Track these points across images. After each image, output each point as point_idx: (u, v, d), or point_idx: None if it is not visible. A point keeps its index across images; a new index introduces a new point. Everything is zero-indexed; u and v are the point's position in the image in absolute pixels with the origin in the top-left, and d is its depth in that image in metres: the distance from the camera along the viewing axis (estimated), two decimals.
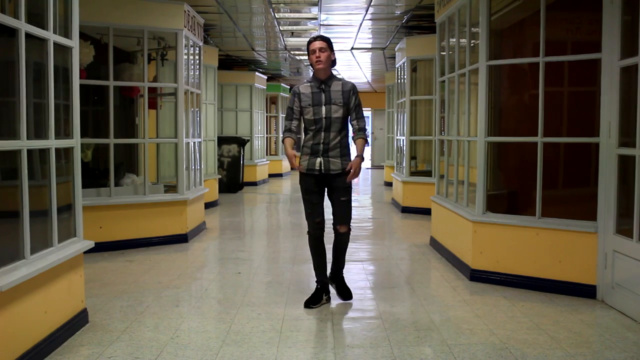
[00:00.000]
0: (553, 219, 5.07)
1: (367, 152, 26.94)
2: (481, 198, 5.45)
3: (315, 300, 4.62)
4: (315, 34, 10.48)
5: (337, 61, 4.82)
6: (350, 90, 4.58)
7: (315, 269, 4.73)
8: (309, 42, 4.59)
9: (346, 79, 4.71)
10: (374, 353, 3.66)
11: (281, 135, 4.78)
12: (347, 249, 4.79)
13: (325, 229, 4.69)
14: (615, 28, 4.51)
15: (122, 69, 7.44)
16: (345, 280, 4.86)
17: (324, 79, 4.59)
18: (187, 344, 3.80)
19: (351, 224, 4.71)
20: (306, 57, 13.87)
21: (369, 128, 25.72)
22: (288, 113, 4.66)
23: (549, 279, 4.99)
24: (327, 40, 4.61)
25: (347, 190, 4.59)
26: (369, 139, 4.49)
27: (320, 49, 4.53)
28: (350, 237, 4.75)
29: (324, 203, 4.64)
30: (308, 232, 4.70)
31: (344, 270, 4.86)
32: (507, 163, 6.18)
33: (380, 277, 5.78)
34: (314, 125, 4.52)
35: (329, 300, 4.70)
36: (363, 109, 4.72)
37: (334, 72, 4.72)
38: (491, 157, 5.62)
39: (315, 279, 4.73)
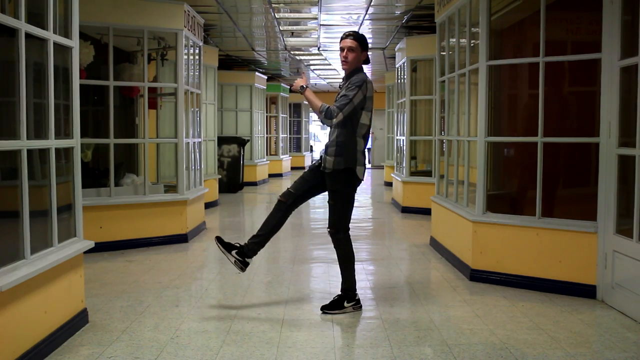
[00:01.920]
0: (553, 219, 5.07)
1: (366, 152, 26.89)
2: (481, 198, 5.45)
3: (226, 246, 4.49)
4: (315, 34, 10.50)
5: (338, 61, 4.71)
6: (348, 82, 4.33)
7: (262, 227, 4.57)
8: (342, 37, 4.44)
9: (367, 75, 4.47)
10: (374, 353, 3.66)
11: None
12: (349, 257, 4.48)
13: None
14: (615, 28, 4.51)
15: (122, 69, 7.44)
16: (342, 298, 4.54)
17: (346, 75, 4.47)
18: (187, 344, 3.80)
19: (342, 234, 4.45)
20: (306, 57, 13.95)
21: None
22: None
23: (549, 279, 4.99)
24: (359, 39, 4.38)
25: (332, 194, 4.40)
26: (334, 119, 4.13)
27: (350, 49, 4.35)
28: (351, 237, 4.64)
29: (317, 193, 4.60)
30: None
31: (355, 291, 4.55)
32: (507, 163, 6.19)
33: (380, 277, 5.78)
34: None
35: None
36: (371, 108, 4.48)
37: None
38: (491, 157, 5.62)
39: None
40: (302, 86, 4.41)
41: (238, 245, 4.55)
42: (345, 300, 4.50)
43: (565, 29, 5.64)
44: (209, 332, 4.05)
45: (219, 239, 4.56)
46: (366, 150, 4.54)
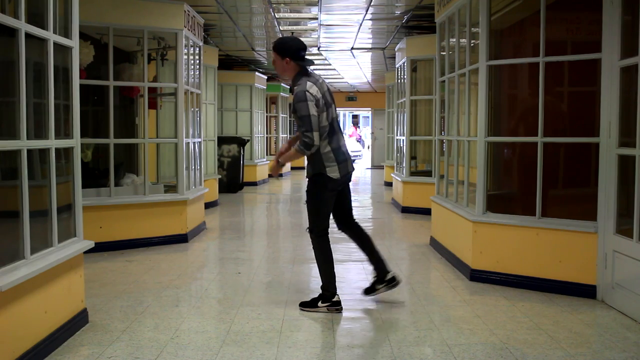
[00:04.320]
0: (553, 219, 5.07)
1: (367, 152, 26.89)
2: (481, 198, 5.45)
3: (311, 304, 4.56)
4: (315, 34, 10.51)
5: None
6: (294, 98, 4.33)
7: None
8: None
9: (304, 80, 4.38)
10: (374, 353, 3.66)
11: None
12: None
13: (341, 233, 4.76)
14: (615, 28, 4.51)
15: (122, 69, 7.44)
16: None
17: (291, 86, 4.48)
18: (187, 344, 3.80)
19: (314, 234, 4.52)
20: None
21: (368, 128, 25.73)
22: None
23: (549, 279, 4.99)
24: (276, 49, 4.45)
25: (307, 195, 4.54)
26: (312, 143, 4.11)
27: (274, 62, 4.48)
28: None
29: (337, 207, 4.64)
30: None
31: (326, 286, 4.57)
32: (507, 163, 6.18)
33: None
34: None
35: (391, 282, 4.67)
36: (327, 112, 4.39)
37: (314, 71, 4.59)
38: (491, 157, 5.62)
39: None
40: (279, 162, 4.50)
41: (322, 295, 4.58)
42: (320, 300, 4.51)
43: (565, 29, 5.64)
44: (209, 332, 4.05)
45: (303, 305, 4.59)
46: (344, 144, 4.55)
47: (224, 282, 5.48)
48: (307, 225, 4.58)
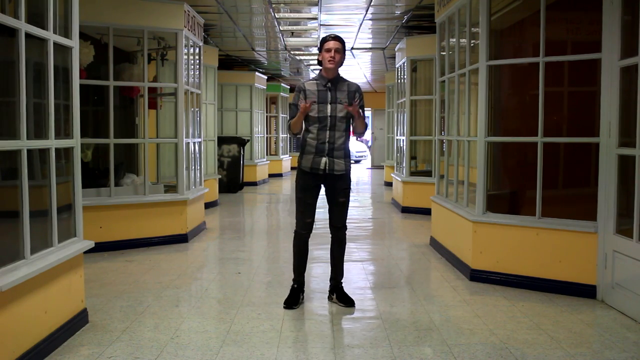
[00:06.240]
0: (553, 219, 5.07)
1: (367, 152, 26.96)
2: (481, 198, 5.45)
3: (296, 301, 4.63)
4: (315, 34, 10.51)
5: None
6: (356, 91, 4.56)
7: (294, 269, 4.73)
8: (325, 40, 4.55)
9: (350, 80, 4.72)
10: (374, 353, 3.66)
11: (287, 126, 4.77)
12: (346, 251, 4.74)
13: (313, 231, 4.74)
14: (615, 28, 4.51)
15: (122, 69, 7.44)
16: (345, 287, 4.79)
17: (331, 78, 4.54)
18: (187, 344, 3.80)
19: (349, 224, 4.74)
20: (306, 57, 13.95)
21: (369, 129, 25.80)
22: (292, 109, 4.58)
23: (549, 279, 4.99)
24: (343, 43, 4.62)
25: (346, 192, 4.59)
26: (369, 139, 4.38)
27: (336, 50, 4.51)
28: (351, 237, 4.75)
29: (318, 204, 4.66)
30: (295, 230, 4.67)
31: (343, 280, 4.79)
32: (507, 163, 6.19)
33: (380, 277, 5.78)
34: (317, 123, 4.45)
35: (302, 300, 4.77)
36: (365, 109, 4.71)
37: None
38: (491, 157, 5.62)
39: (292, 278, 4.74)
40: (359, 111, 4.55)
41: (296, 288, 4.74)
42: (300, 292, 4.70)
43: (565, 29, 5.65)
44: (209, 332, 4.05)
45: (291, 305, 4.64)
46: None
47: (224, 282, 5.48)
48: (340, 224, 4.63)
